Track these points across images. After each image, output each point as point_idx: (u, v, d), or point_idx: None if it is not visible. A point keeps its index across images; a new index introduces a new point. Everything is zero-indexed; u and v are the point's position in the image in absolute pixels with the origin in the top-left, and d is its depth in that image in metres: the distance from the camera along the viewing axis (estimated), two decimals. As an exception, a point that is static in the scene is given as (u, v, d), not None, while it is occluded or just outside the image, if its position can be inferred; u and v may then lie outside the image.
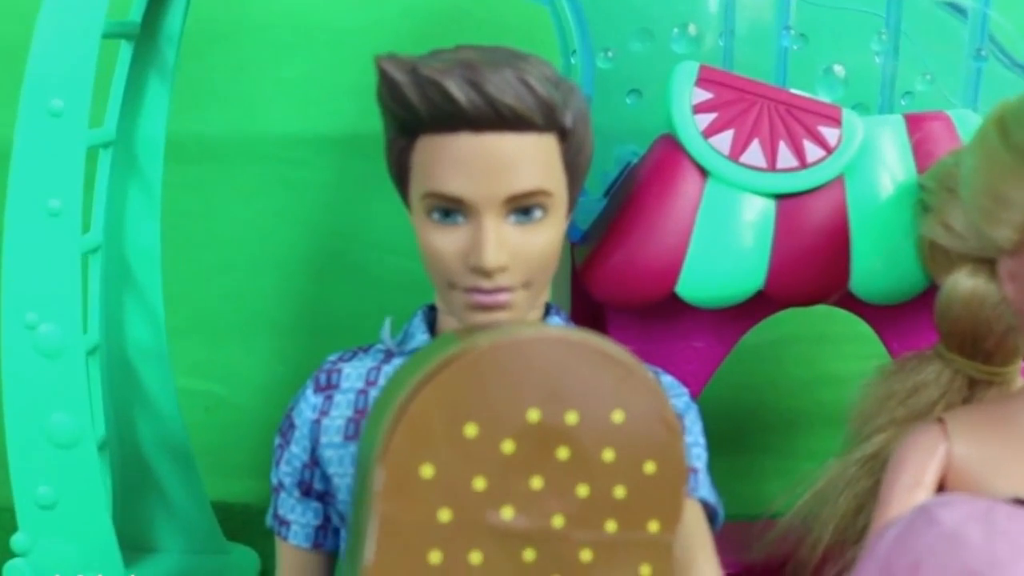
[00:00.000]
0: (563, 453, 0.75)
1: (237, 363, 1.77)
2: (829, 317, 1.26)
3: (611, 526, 0.77)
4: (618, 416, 0.74)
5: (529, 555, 0.76)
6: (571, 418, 0.74)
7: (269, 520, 0.97)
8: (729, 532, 1.10)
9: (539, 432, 0.75)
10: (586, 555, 0.77)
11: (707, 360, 1.13)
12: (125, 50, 1.30)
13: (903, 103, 1.19)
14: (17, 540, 1.24)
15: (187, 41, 1.38)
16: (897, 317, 1.12)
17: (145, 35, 1.32)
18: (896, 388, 1.04)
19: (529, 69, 0.80)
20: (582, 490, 0.77)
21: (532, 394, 0.74)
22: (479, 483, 0.74)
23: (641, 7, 1.15)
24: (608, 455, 0.76)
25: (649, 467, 0.76)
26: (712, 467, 1.03)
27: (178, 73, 1.39)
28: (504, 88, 0.78)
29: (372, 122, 1.48)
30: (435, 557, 0.73)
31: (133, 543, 1.35)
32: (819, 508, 1.03)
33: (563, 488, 0.77)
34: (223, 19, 1.61)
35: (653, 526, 0.77)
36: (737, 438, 1.66)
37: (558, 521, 0.77)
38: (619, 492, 0.77)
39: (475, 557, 0.74)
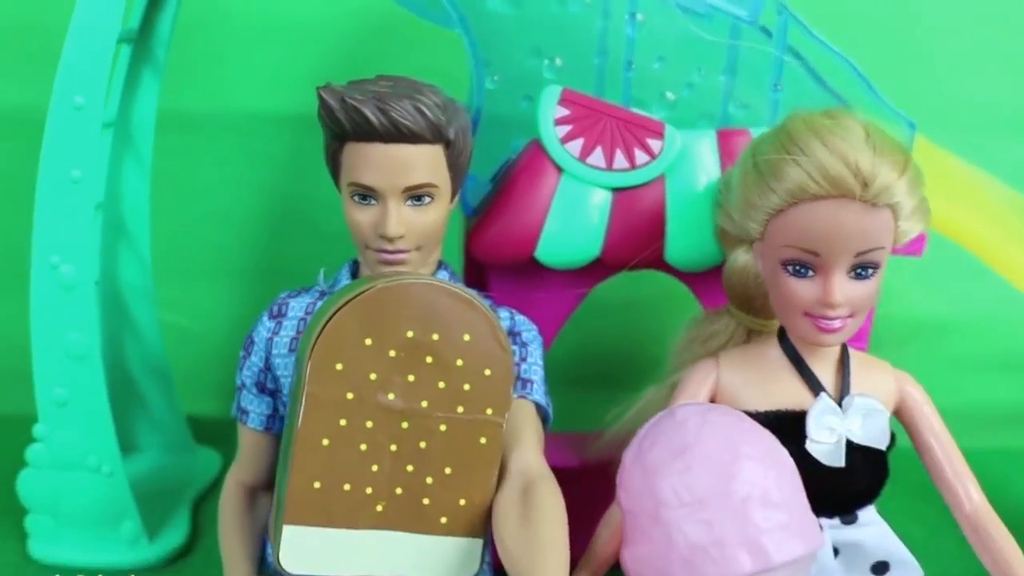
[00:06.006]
0: (429, 359, 1.00)
1: (205, 302, 1.93)
2: (657, 284, 1.45)
3: (460, 409, 1.01)
4: (466, 336, 1.00)
5: (404, 425, 1.01)
6: (435, 336, 1.00)
7: (234, 411, 1.22)
8: (570, 440, 1.36)
9: (413, 345, 0.99)
10: (443, 427, 1.01)
11: (560, 307, 1.32)
12: (125, 51, 1.46)
13: (732, 112, 1.38)
14: (37, 429, 1.41)
15: (174, 33, 1.51)
16: (707, 281, 1.31)
17: (142, 38, 1.48)
18: (697, 334, 1.25)
19: (423, 99, 1.07)
20: (441, 384, 1.00)
21: (409, 319, 0.99)
22: (372, 375, 0.99)
23: (529, 34, 1.34)
24: (459, 362, 1.00)
25: (487, 371, 1.02)
26: (565, 397, 1.26)
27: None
28: (404, 114, 1.06)
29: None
30: (343, 422, 0.99)
31: (120, 443, 1.44)
32: (638, 422, 1.13)
33: (428, 382, 1.00)
34: (203, 13, 1.72)
35: (489, 411, 1.02)
36: (587, 377, 1.79)
37: (424, 404, 1.00)
38: (466, 387, 1.01)
39: (369, 424, 1.00)
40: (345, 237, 1.19)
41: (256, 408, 1.21)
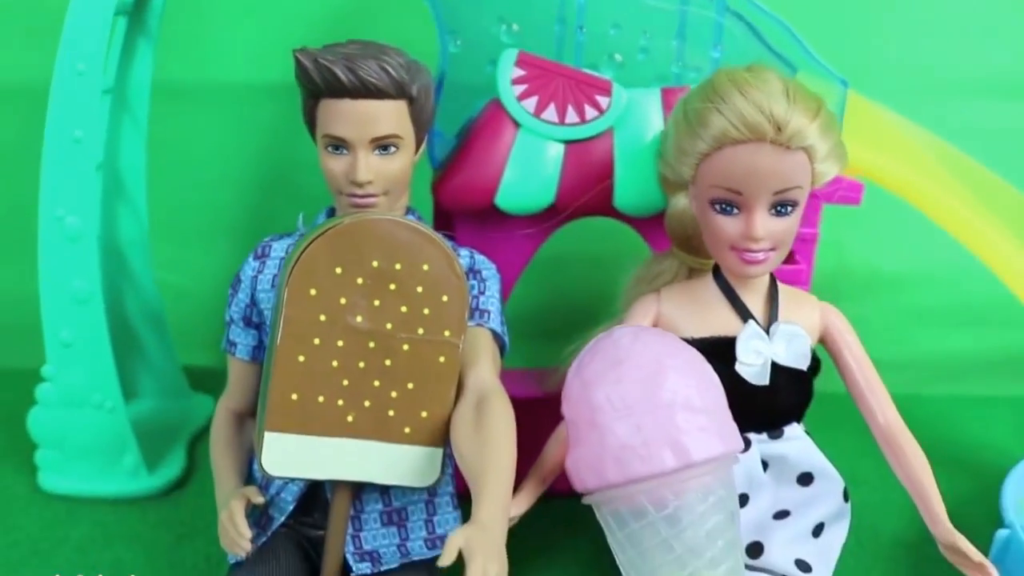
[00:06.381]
0: (392, 286, 1.08)
1: (200, 261, 1.99)
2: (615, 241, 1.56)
3: (421, 331, 1.10)
4: (425, 266, 1.10)
5: (371, 344, 1.10)
6: (397, 266, 1.09)
7: (224, 345, 1.32)
8: (530, 375, 1.48)
9: (378, 273, 1.08)
10: (406, 347, 1.10)
11: (520, 252, 1.42)
12: (121, 22, 1.52)
13: (682, 74, 1.48)
14: (45, 370, 1.50)
15: (167, 6, 1.57)
16: (653, 226, 1.39)
17: (137, 10, 1.54)
18: (645, 274, 1.33)
19: (388, 60, 1.18)
20: (403, 308, 1.09)
21: (375, 251, 1.08)
22: (342, 300, 1.08)
23: (490, 3, 1.44)
24: (420, 289, 1.09)
25: (444, 298, 1.11)
26: (531, 345, 1.38)
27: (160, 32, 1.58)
28: (370, 72, 1.16)
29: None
30: (317, 341, 1.09)
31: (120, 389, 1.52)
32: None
33: (392, 306, 1.09)
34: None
35: (447, 333, 1.11)
36: (552, 329, 1.73)
37: (389, 326, 1.09)
38: (426, 311, 1.09)
39: (340, 343, 1.10)
40: (327, 198, 1.29)
41: (243, 340, 1.32)
